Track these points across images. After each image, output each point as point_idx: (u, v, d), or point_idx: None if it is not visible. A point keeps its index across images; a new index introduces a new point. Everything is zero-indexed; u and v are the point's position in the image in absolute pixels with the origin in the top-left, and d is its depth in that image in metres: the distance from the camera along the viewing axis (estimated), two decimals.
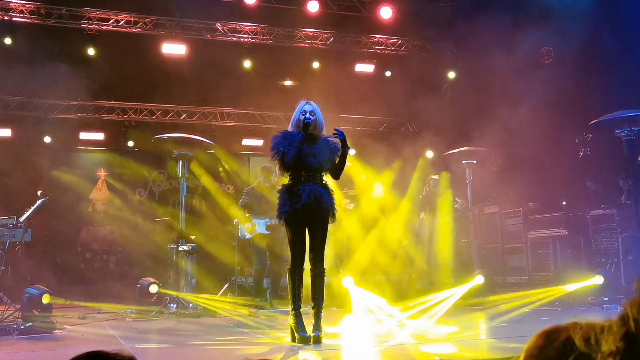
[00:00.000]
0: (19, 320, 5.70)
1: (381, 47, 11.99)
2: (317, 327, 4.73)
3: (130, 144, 11.47)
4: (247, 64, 11.28)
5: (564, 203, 9.45)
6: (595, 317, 0.93)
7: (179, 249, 7.72)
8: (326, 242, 4.99)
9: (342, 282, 7.17)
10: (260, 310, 7.18)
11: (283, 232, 6.36)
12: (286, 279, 5.20)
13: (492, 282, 8.57)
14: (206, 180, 10.99)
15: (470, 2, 11.22)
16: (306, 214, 4.76)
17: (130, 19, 10.69)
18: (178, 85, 11.11)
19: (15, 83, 10.26)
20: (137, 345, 4.85)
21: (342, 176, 5.07)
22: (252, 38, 11.30)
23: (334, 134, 4.78)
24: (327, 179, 5.00)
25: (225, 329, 6.04)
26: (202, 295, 7.70)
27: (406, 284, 8.60)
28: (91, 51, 10.50)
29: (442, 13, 11.81)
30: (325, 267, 4.97)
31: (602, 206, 8.31)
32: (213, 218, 10.70)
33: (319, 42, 11.64)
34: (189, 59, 10.78)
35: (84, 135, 11.14)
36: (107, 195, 11.29)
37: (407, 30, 11.78)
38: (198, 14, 10.84)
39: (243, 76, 11.29)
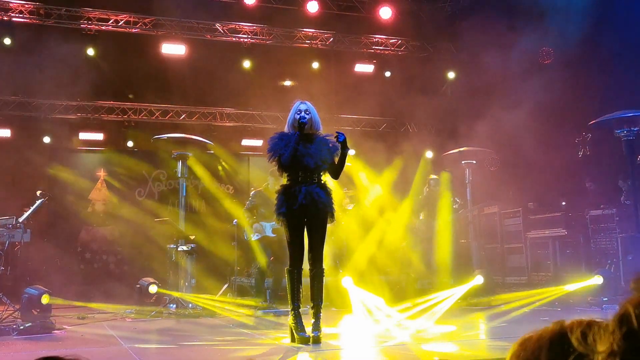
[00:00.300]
0: (19, 320, 5.70)
1: (381, 47, 12.00)
2: (316, 327, 4.73)
3: (130, 144, 11.47)
4: (246, 64, 11.28)
5: (564, 203, 9.46)
6: (594, 317, 0.93)
7: (179, 249, 7.72)
8: (325, 242, 4.99)
9: (342, 282, 7.17)
10: (260, 311, 7.18)
11: None
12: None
13: (492, 282, 8.57)
14: (206, 180, 10.99)
15: (470, 3, 11.23)
16: (303, 214, 4.75)
17: (130, 19, 10.69)
18: (178, 85, 11.11)
19: (15, 83, 10.26)
20: (136, 345, 4.84)
21: (341, 176, 5.06)
22: (251, 38, 11.30)
23: (335, 137, 4.76)
24: (327, 178, 4.99)
25: (225, 329, 6.03)
26: (202, 296, 7.69)
27: (405, 284, 8.59)
28: (91, 51, 10.50)
29: (441, 13, 11.82)
30: (324, 267, 4.96)
31: (602, 206, 8.31)
32: (213, 218, 10.70)
33: (319, 42, 11.65)
34: (188, 59, 10.78)
35: (83, 136, 11.14)
36: (106, 195, 11.29)
37: (406, 30, 11.79)
38: (198, 14, 10.84)
39: (242, 76, 11.29)
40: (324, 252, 4.99)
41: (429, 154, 11.65)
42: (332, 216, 4.89)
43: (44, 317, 5.78)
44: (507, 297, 7.65)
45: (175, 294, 7.46)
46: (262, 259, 7.91)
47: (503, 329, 5.72)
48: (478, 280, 7.86)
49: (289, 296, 4.88)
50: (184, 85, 11.12)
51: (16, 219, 6.30)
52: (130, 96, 11.35)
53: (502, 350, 4.28)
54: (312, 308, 4.83)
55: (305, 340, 4.63)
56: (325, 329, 4.91)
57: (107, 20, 10.59)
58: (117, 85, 11.15)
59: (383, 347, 4.76)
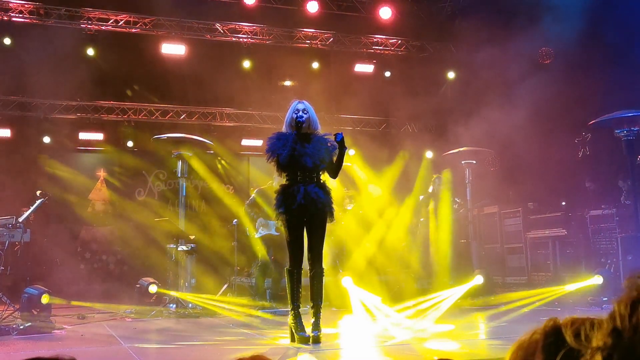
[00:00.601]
0: (18, 320, 5.71)
1: (381, 48, 11.99)
2: (316, 327, 4.73)
3: (130, 144, 11.47)
4: (246, 64, 11.27)
5: (564, 203, 9.46)
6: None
7: (179, 249, 7.72)
8: (324, 241, 4.99)
9: (342, 282, 7.17)
10: (260, 311, 7.18)
11: None
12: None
13: (492, 282, 8.57)
14: (206, 180, 10.99)
15: (470, 3, 11.22)
16: (302, 214, 4.75)
17: (130, 19, 10.68)
18: (177, 85, 11.11)
19: (14, 83, 10.26)
20: (136, 345, 4.84)
21: (342, 176, 5.06)
22: (251, 38, 11.29)
23: (333, 136, 4.76)
24: (327, 177, 4.99)
25: (224, 329, 6.03)
26: (202, 295, 7.69)
27: (405, 284, 8.59)
28: (90, 51, 10.49)
29: (441, 13, 11.82)
30: (324, 267, 4.96)
31: (602, 206, 8.31)
32: (213, 218, 10.71)
33: (319, 43, 11.64)
34: (188, 59, 10.77)
35: (83, 136, 11.13)
36: (106, 195, 11.29)
37: (406, 30, 11.79)
38: (197, 14, 10.84)
39: (242, 76, 11.29)
40: (323, 252, 4.99)
41: (428, 154, 11.65)
42: (332, 215, 4.89)
43: (44, 317, 5.78)
44: (507, 297, 7.65)
45: (175, 293, 7.46)
46: (264, 254, 7.91)
47: (503, 328, 5.72)
48: (478, 280, 7.86)
49: (288, 296, 4.88)
50: (183, 85, 11.11)
51: (16, 219, 6.30)
52: (129, 92, 11.34)
53: (502, 350, 4.27)
54: (312, 308, 4.83)
55: (305, 340, 4.64)
56: (325, 329, 4.91)
57: (107, 20, 10.59)
58: (117, 85, 11.15)
59: (383, 346, 4.76)
